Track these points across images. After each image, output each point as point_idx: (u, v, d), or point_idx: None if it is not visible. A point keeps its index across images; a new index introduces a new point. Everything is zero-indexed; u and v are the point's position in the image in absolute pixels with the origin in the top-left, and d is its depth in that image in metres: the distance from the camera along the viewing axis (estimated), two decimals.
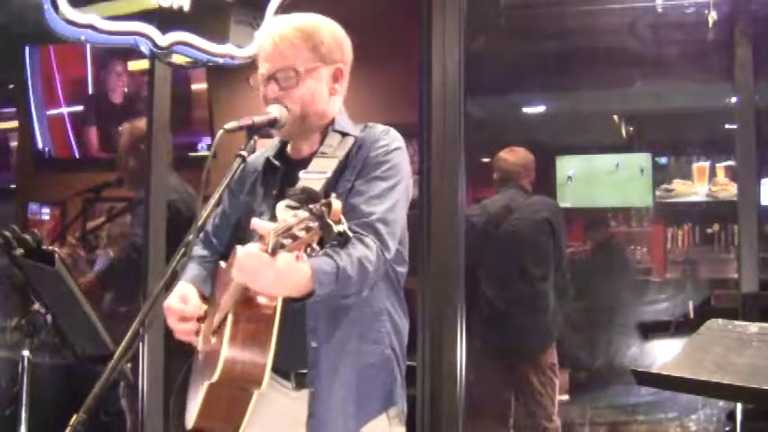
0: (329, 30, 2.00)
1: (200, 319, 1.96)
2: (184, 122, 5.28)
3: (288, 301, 1.77)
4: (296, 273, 1.69)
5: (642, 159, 6.52)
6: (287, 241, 1.52)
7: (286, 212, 1.57)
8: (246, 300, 1.76)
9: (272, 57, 1.95)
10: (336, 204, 1.51)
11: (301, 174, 1.88)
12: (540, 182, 4.52)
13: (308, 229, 1.50)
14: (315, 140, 2.02)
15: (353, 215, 1.87)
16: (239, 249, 1.69)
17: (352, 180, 1.94)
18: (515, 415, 4.20)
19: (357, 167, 1.95)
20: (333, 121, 2.02)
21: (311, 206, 1.51)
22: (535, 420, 4.13)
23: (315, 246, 1.53)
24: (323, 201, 1.52)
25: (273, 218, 1.80)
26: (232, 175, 1.86)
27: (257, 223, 1.67)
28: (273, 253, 1.56)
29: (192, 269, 2.08)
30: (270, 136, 2.04)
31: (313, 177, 1.85)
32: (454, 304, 3.35)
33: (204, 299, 2.00)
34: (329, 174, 1.87)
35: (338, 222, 1.51)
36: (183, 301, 1.94)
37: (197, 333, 1.94)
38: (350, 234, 1.53)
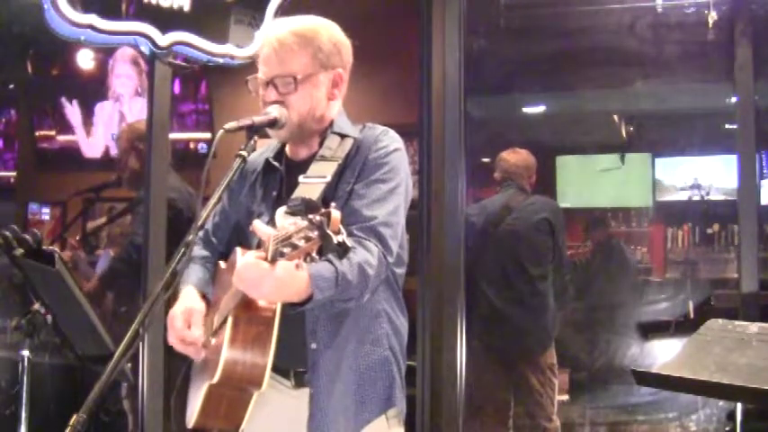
0: (328, 34, 1.97)
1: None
2: None
3: (287, 305, 1.77)
4: (295, 280, 1.68)
5: (642, 159, 6.53)
6: (286, 250, 1.50)
7: (285, 219, 1.56)
8: (246, 302, 1.76)
9: (270, 62, 1.94)
10: (336, 215, 1.50)
11: (301, 178, 1.87)
12: (540, 182, 4.52)
13: (307, 239, 1.49)
14: (314, 142, 2.01)
15: (355, 219, 1.86)
16: (239, 254, 1.68)
17: (352, 183, 1.93)
18: (515, 415, 4.20)
19: (356, 169, 1.94)
20: (331, 124, 2.01)
21: (311, 216, 1.49)
22: (535, 420, 4.12)
23: (314, 255, 1.53)
24: (323, 211, 1.51)
25: (272, 220, 1.80)
26: (232, 175, 1.85)
27: (258, 226, 1.66)
28: (273, 261, 1.56)
29: (196, 271, 2.07)
30: (269, 136, 2.04)
31: (312, 182, 1.85)
32: (454, 304, 3.35)
33: (208, 303, 2.00)
34: (329, 178, 1.86)
35: (337, 233, 1.49)
36: (186, 317, 1.90)
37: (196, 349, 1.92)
38: (349, 245, 1.52)
